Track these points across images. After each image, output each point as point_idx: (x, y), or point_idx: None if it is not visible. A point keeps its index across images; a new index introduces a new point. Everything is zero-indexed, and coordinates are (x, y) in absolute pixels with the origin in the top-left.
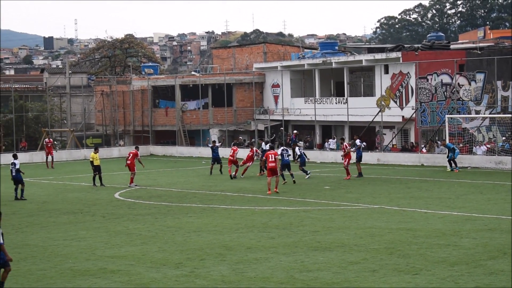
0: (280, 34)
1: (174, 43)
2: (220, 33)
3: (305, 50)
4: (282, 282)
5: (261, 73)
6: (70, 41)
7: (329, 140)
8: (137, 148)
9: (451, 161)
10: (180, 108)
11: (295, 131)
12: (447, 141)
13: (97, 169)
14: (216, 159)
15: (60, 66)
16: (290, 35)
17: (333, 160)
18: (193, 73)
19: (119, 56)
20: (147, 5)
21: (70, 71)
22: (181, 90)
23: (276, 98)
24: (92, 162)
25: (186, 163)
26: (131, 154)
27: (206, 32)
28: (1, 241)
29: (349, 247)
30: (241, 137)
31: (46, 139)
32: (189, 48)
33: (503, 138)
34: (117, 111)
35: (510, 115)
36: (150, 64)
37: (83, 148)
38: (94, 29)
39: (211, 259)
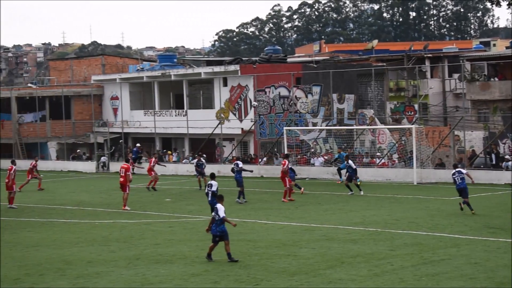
0: (119, 46)
1: (10, 54)
2: (57, 45)
3: (144, 62)
4: None
5: (100, 85)
6: None
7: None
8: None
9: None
10: (16, 121)
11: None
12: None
13: None
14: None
15: None
16: (129, 47)
17: (173, 173)
18: (29, 85)
19: None
20: None
21: None
22: (18, 102)
23: (115, 110)
24: None
25: (23, 177)
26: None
27: (42, 44)
28: None
29: (190, 259)
30: (79, 150)
31: None
32: (25, 59)
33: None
34: None
35: (345, 127)
36: None
37: None
38: None
39: (51, 274)
